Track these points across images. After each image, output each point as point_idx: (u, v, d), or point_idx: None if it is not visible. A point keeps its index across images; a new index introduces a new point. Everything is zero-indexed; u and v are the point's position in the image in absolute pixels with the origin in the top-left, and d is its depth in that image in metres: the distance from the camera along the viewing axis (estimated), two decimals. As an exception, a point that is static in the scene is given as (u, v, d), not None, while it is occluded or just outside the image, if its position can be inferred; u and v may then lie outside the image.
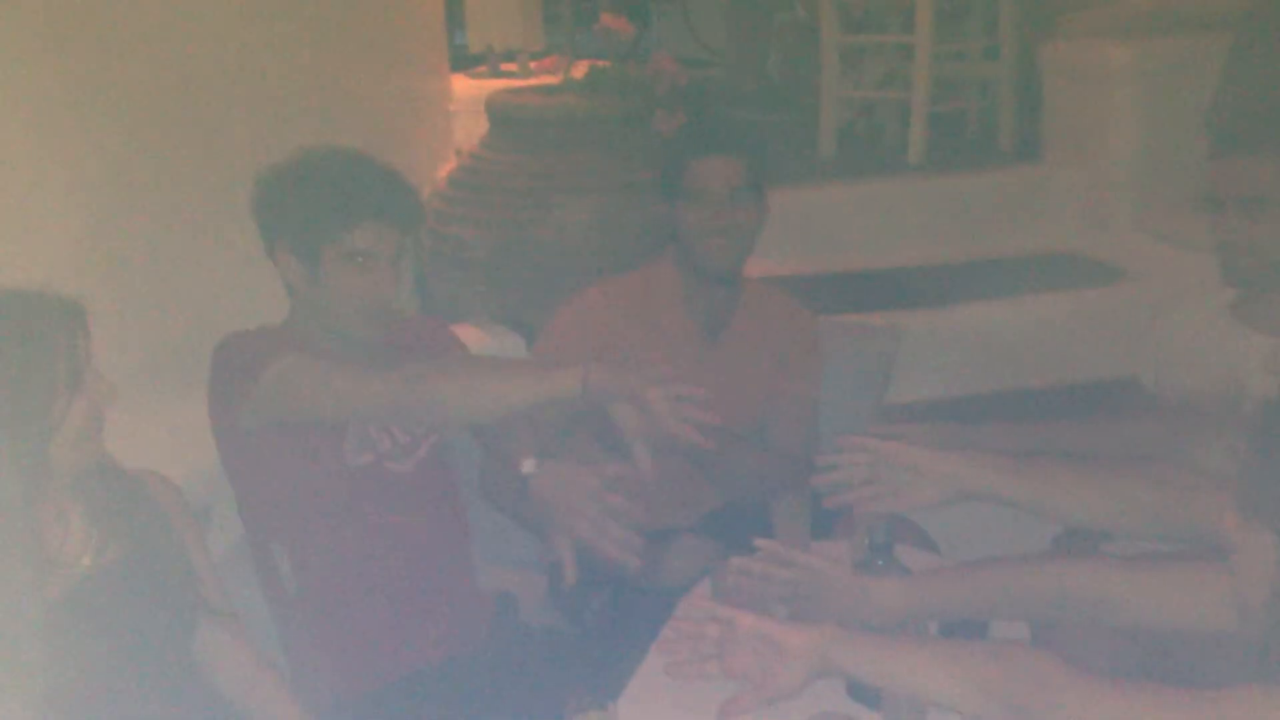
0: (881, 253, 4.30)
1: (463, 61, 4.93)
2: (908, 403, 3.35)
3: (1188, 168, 2.29)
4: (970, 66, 5.09)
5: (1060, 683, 1.32)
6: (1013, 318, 3.82)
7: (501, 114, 3.46)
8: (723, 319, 2.42)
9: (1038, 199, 4.52)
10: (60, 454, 1.52)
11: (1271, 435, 1.22)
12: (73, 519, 1.60)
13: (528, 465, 1.87)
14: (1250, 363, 2.11)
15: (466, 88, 4.52)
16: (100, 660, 1.56)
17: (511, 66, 4.93)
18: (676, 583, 2.03)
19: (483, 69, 4.95)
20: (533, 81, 4.29)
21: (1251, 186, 2.09)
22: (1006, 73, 4.93)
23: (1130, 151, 4.35)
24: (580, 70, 3.53)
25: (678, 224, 2.33)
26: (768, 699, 1.52)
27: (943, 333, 3.67)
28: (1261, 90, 3.19)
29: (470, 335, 2.69)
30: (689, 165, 2.29)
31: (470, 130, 3.90)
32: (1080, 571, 1.55)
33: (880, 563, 1.74)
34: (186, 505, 1.79)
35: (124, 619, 1.59)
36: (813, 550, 1.83)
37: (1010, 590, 1.59)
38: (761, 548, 1.56)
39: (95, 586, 1.58)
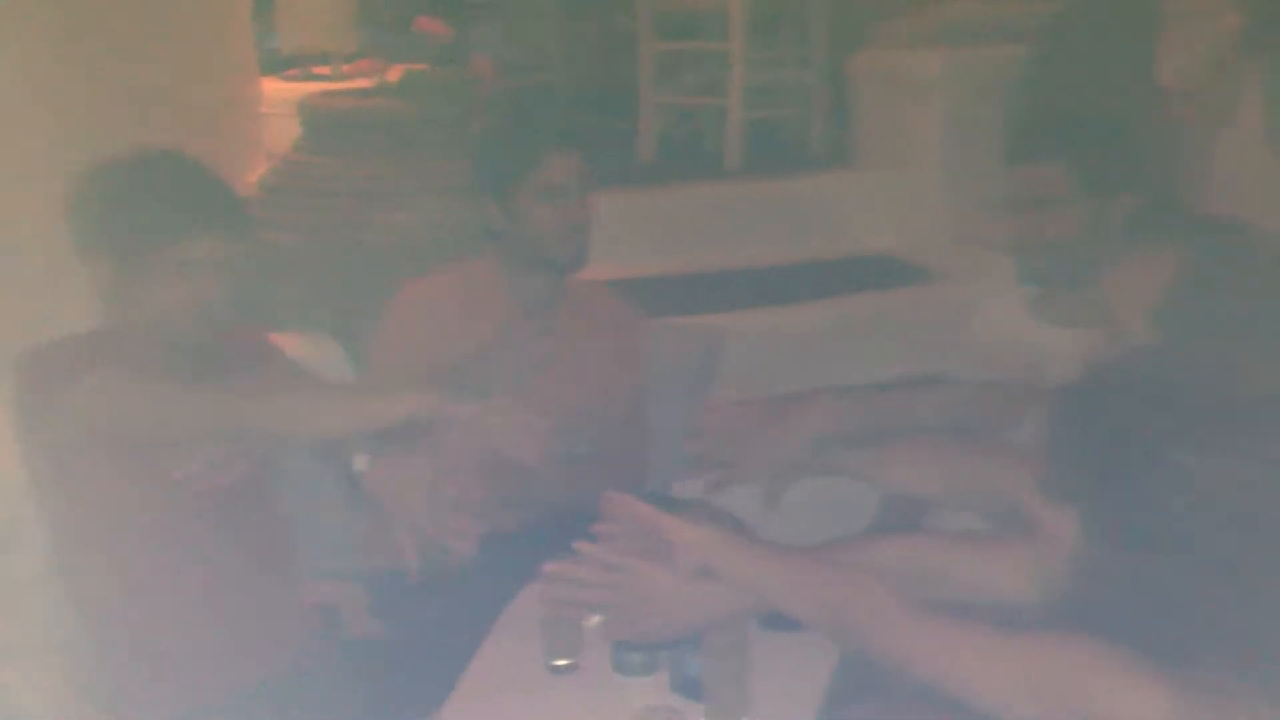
0: (701, 256, 4.35)
1: (273, 64, 4.80)
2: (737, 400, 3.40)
3: (992, 173, 2.38)
4: (784, 74, 5.20)
5: (894, 612, 1.38)
6: (828, 318, 3.92)
7: (315, 117, 3.39)
8: (550, 318, 2.42)
9: (850, 203, 4.64)
10: None
11: (1069, 421, 1.28)
12: None
13: (359, 461, 1.83)
14: (1046, 356, 2.20)
15: (278, 90, 4.40)
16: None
17: (323, 70, 4.83)
18: (503, 587, 2.01)
19: (294, 71, 4.84)
20: (346, 85, 4.21)
21: (1042, 189, 2.19)
22: (819, 80, 5.05)
23: (937, 157, 4.50)
24: (395, 73, 3.48)
25: (521, 222, 2.31)
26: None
27: (763, 333, 3.74)
28: (1053, 99, 3.35)
29: (288, 344, 2.61)
30: (539, 162, 2.28)
31: (282, 134, 3.80)
32: (899, 547, 1.60)
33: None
34: None
35: None
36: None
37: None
38: (581, 551, 1.55)
39: None
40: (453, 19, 5.01)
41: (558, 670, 1.77)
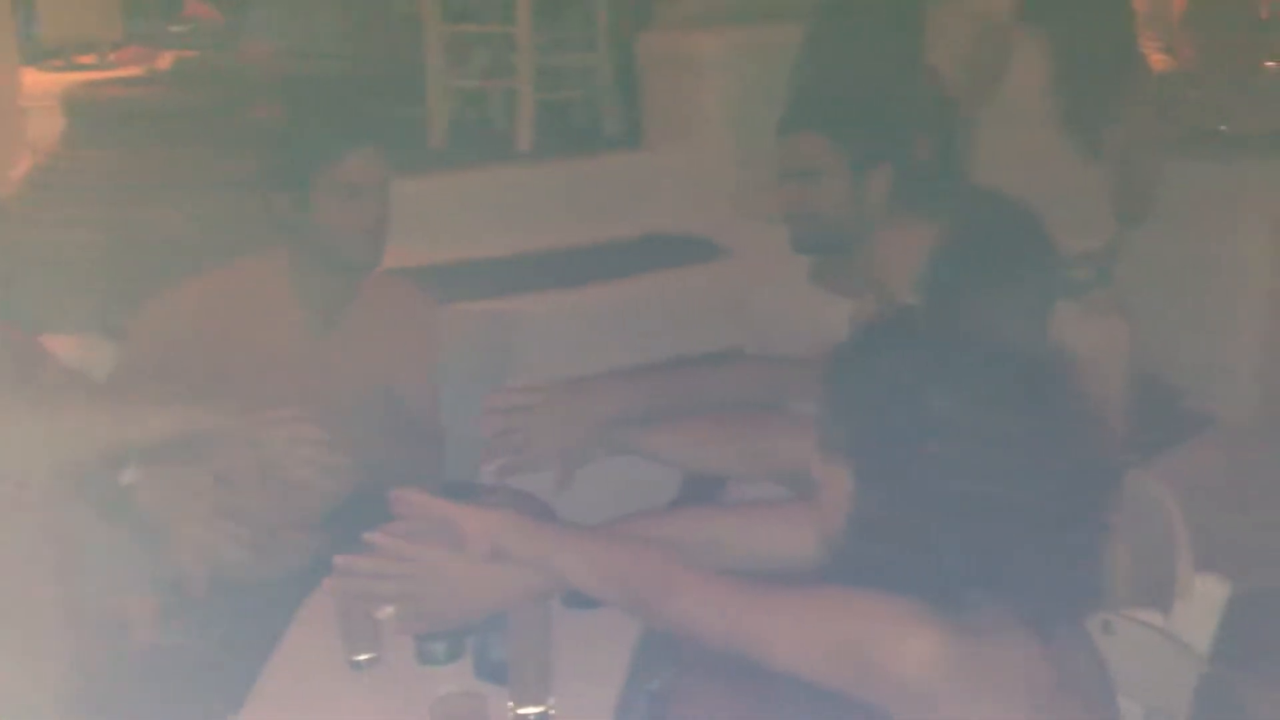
0: (498, 240, 4.33)
1: (35, 54, 4.56)
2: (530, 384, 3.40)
3: (772, 149, 2.46)
4: (573, 55, 5.21)
5: (680, 580, 1.41)
6: (625, 297, 3.96)
7: (81, 109, 3.24)
8: (338, 312, 2.37)
9: (641, 183, 4.69)
10: None
11: (840, 381, 1.34)
12: None
13: (128, 475, 1.76)
14: (828, 322, 2.28)
15: (40, 82, 4.18)
16: None
17: (89, 59, 4.62)
18: (299, 583, 1.97)
19: (57, 61, 4.61)
20: (113, 74, 4.03)
21: (808, 160, 2.27)
22: (606, 61, 5.08)
23: (720, 135, 4.59)
24: (165, 61, 3.35)
25: (316, 219, 2.25)
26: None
27: (561, 315, 3.75)
28: (825, 75, 3.46)
29: (58, 346, 2.50)
30: (332, 157, 2.22)
31: (46, 127, 3.61)
32: (691, 519, 1.64)
33: None
34: None
35: None
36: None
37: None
38: (371, 542, 1.54)
39: None
40: (224, 3, 4.84)
41: (359, 665, 1.75)
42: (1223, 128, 4.01)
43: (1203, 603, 1.63)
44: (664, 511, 1.73)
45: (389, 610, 1.59)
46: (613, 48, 5.04)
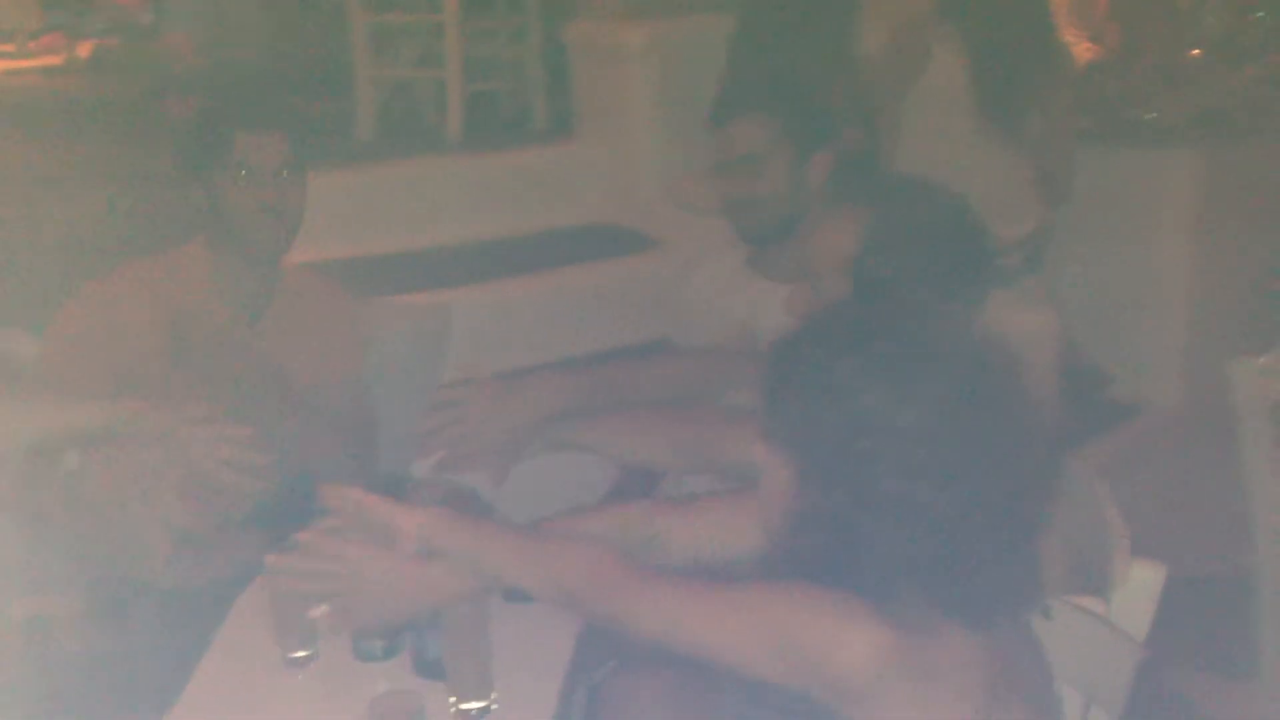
0: (427, 232, 4.29)
1: (-52, 41, 4.45)
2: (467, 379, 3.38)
3: (703, 138, 2.45)
4: (502, 46, 5.17)
5: (618, 578, 1.40)
6: (555, 290, 3.94)
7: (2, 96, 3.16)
8: (261, 305, 2.33)
9: (572, 174, 4.67)
10: None
11: (781, 367, 1.33)
12: None
13: (70, 460, 1.72)
14: (764, 309, 2.29)
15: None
16: None
17: (8, 46, 4.50)
18: (232, 582, 1.94)
19: (-27, 50, 4.49)
20: (32, 62, 3.94)
21: (745, 147, 2.27)
22: (535, 52, 5.05)
23: (650, 126, 4.58)
24: (86, 49, 3.27)
25: (220, 205, 2.21)
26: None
27: (491, 307, 3.72)
28: (753, 62, 3.48)
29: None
30: (235, 141, 2.18)
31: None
32: (631, 514, 1.63)
33: None
34: None
35: None
36: None
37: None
38: (299, 541, 1.51)
39: None
40: (147, -8, 4.74)
41: (295, 662, 1.72)
42: (1151, 116, 4.07)
43: (1139, 589, 1.65)
44: (604, 507, 1.72)
45: (322, 609, 1.56)
46: (542, 38, 5.01)
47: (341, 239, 4.00)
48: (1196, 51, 4.37)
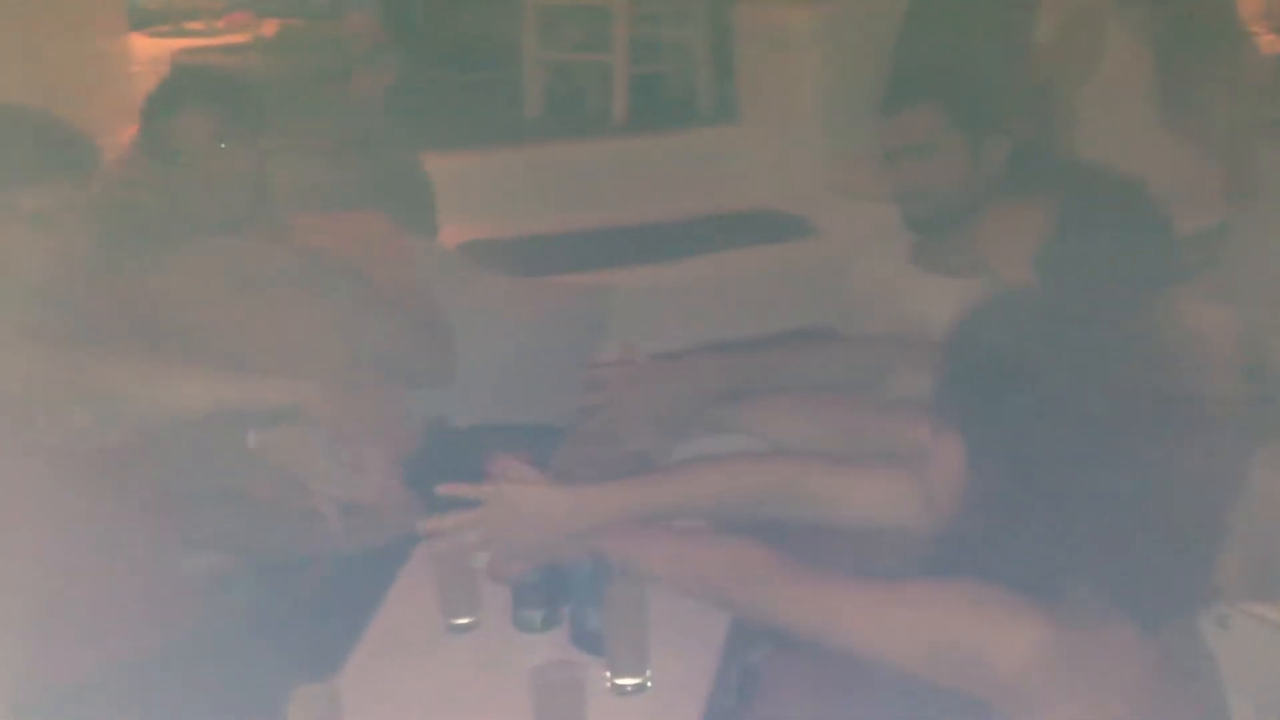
0: (590, 213, 4.34)
1: (143, 19, 4.65)
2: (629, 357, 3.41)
3: (871, 124, 2.42)
4: (667, 28, 5.19)
5: (772, 576, 1.40)
6: (716, 272, 3.95)
7: (191, 75, 3.28)
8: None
9: (735, 158, 4.66)
10: None
11: (963, 353, 1.32)
12: None
13: (252, 440, 1.79)
14: (928, 304, 2.25)
15: (148, 47, 4.26)
16: None
17: (196, 25, 4.70)
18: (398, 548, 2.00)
19: (165, 27, 4.69)
20: (219, 40, 4.10)
21: (919, 136, 2.23)
22: (701, 35, 5.04)
23: (816, 111, 4.54)
24: (270, 28, 3.39)
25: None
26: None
27: (653, 290, 3.75)
28: (928, 47, 3.41)
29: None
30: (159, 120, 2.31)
31: (153, 92, 3.68)
32: (782, 466, 1.63)
33: None
34: None
35: None
36: None
37: (718, 486, 1.63)
38: (443, 493, 1.57)
39: None
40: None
41: (457, 629, 1.77)
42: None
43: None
44: (753, 455, 1.72)
45: (484, 558, 1.61)
46: (708, 21, 5.01)
47: (506, 218, 4.08)
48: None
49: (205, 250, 2.35)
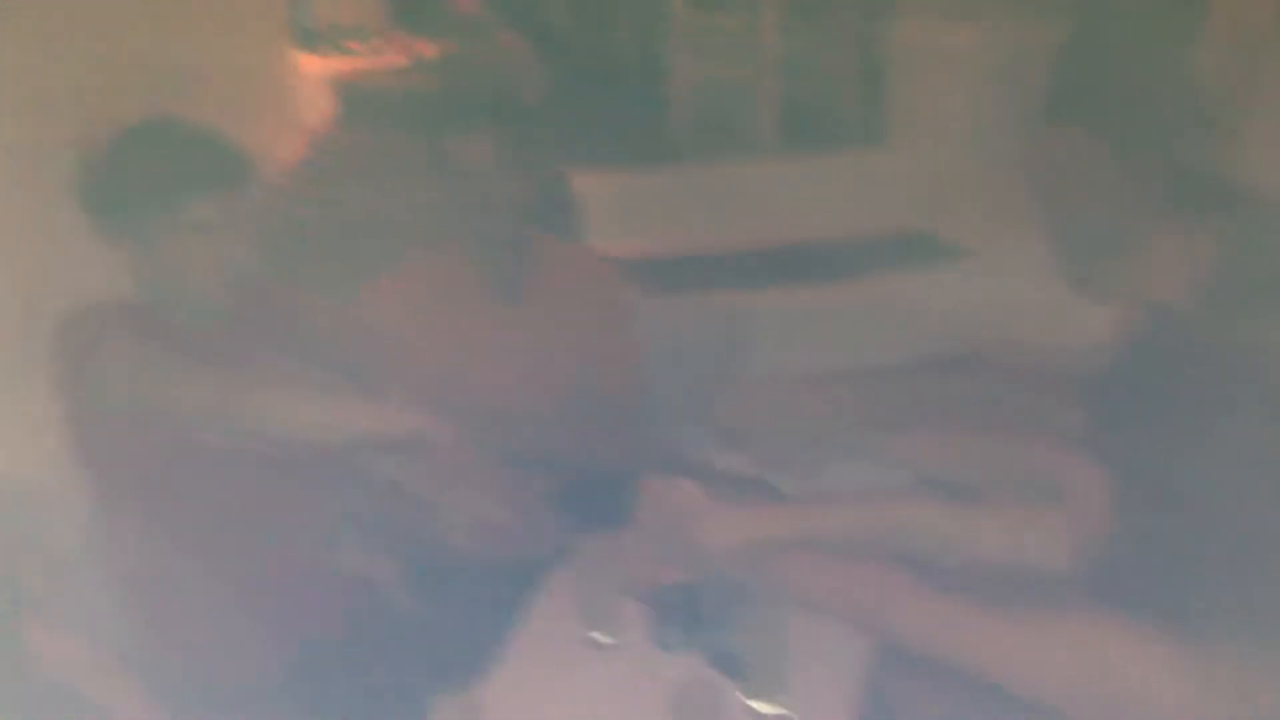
0: (735, 233, 4.34)
1: (305, 38, 4.81)
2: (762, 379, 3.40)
3: (1029, 147, 2.36)
4: (818, 48, 5.16)
5: (920, 604, 1.39)
6: (862, 296, 3.90)
7: (348, 93, 3.40)
8: (520, 283, 2.42)
9: (883, 180, 4.61)
10: None
11: (1116, 388, 1.28)
12: None
13: (387, 464, 1.83)
14: (1082, 332, 2.19)
15: (309, 65, 4.41)
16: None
17: (355, 44, 4.83)
18: (543, 552, 2.02)
19: (326, 46, 4.84)
20: (380, 60, 4.21)
21: (1073, 157, 2.17)
22: (853, 55, 5.01)
23: (972, 132, 4.47)
24: (426, 48, 3.47)
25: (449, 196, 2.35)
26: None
27: (796, 312, 3.72)
28: (1092, 71, 3.32)
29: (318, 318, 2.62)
30: (444, 140, 2.32)
31: (313, 108, 3.81)
32: (929, 506, 1.60)
33: None
34: (22, 498, 1.70)
35: None
36: None
37: (860, 518, 1.61)
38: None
39: None
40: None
41: (597, 644, 1.77)
42: None
43: None
44: (888, 492, 1.70)
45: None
46: (859, 40, 4.97)
47: (651, 236, 4.10)
48: None
49: (426, 267, 2.40)
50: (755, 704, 1.62)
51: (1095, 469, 1.29)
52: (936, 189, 4.53)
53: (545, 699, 1.69)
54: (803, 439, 1.97)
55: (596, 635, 1.77)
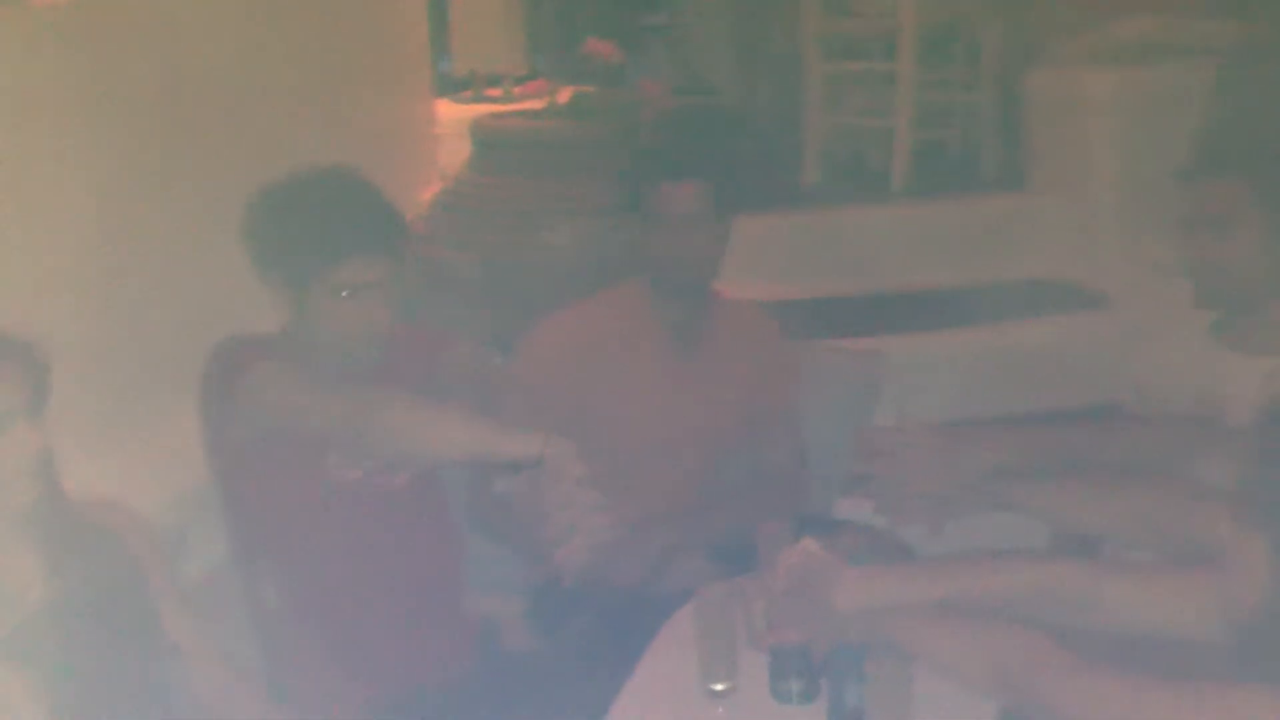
0: (868, 278, 4.30)
1: (447, 86, 4.94)
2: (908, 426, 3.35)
3: (1169, 194, 2.30)
4: (953, 93, 5.11)
5: (1066, 672, 1.35)
6: (997, 343, 3.83)
7: (486, 138, 3.47)
8: (695, 336, 2.41)
9: (1021, 226, 4.53)
10: (10, 490, 1.49)
11: (1267, 448, 1.23)
12: (21, 554, 1.55)
13: (501, 484, 1.85)
14: (1228, 384, 2.11)
15: (450, 111, 4.52)
16: (53, 695, 1.52)
17: (495, 91, 4.94)
18: (663, 598, 2.02)
19: (467, 93, 4.96)
20: (517, 106, 4.30)
21: (1220, 207, 2.10)
22: (989, 100, 4.95)
23: (1112, 179, 4.37)
24: (565, 95, 3.53)
25: (641, 245, 2.32)
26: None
27: (929, 357, 3.67)
28: (1234, 117, 3.22)
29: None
30: (651, 188, 2.28)
31: (454, 154, 3.90)
32: (1069, 570, 1.55)
33: None
34: (150, 533, 1.75)
35: (75, 653, 1.56)
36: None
37: (1003, 583, 1.57)
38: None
39: (44, 621, 1.54)
40: (622, 42, 5.06)
41: (715, 694, 1.76)
42: None
43: None
44: (1035, 554, 1.65)
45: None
46: (996, 86, 4.91)
47: (787, 280, 4.09)
48: None
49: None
50: (875, 760, 1.58)
51: (1251, 532, 1.23)
52: (1073, 234, 4.43)
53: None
54: (937, 487, 1.93)
55: (713, 685, 1.75)
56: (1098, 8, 4.71)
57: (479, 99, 4.89)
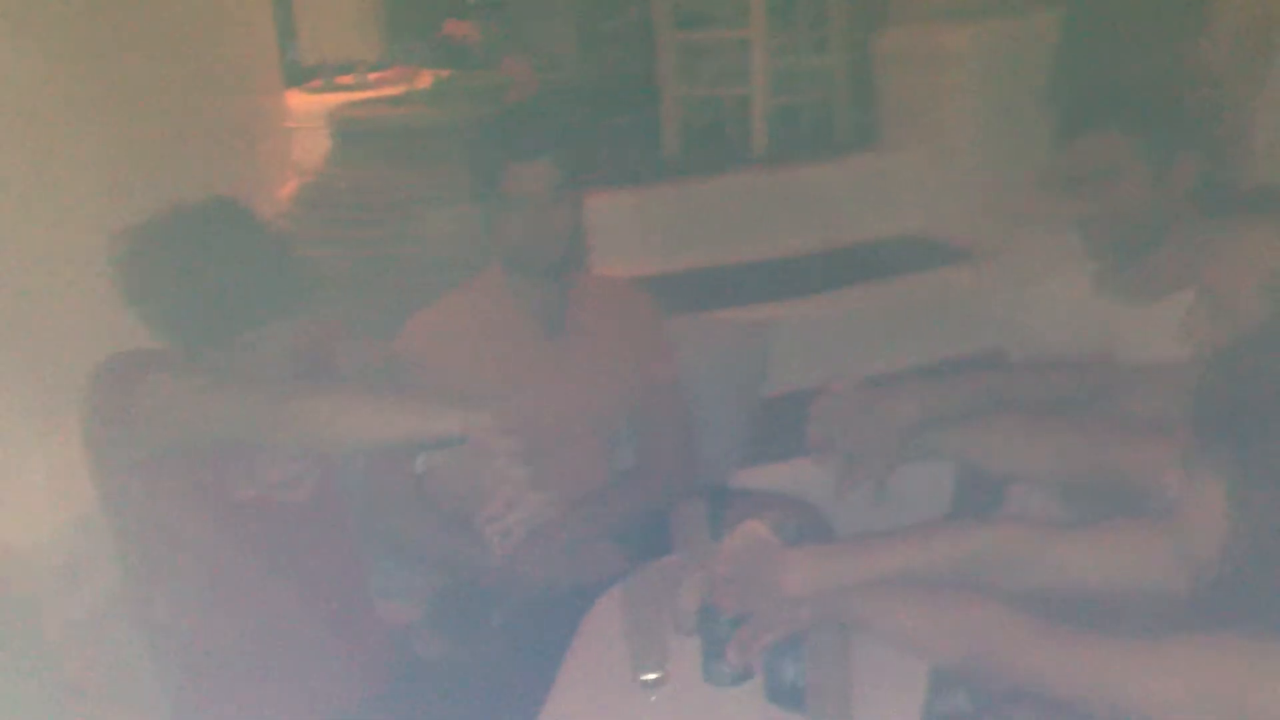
0: (736, 247, 4.31)
1: (296, 76, 4.77)
2: (784, 394, 3.36)
3: (1025, 147, 2.34)
4: (807, 57, 5.14)
5: (1027, 639, 1.35)
6: (872, 301, 3.88)
7: (345, 128, 3.37)
8: (558, 317, 2.39)
9: (879, 185, 4.58)
10: None
11: (1218, 393, 1.24)
12: None
13: (420, 463, 1.79)
14: (1117, 333, 2.16)
15: (302, 103, 4.37)
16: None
17: (347, 79, 4.79)
18: (585, 590, 1.99)
19: (317, 83, 4.80)
20: (375, 94, 4.18)
21: (1107, 160, 2.14)
22: (843, 62, 4.99)
23: (967, 134, 4.44)
24: (425, 80, 3.44)
25: (492, 228, 2.29)
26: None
27: (807, 322, 3.69)
28: (1100, 66, 3.30)
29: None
30: (499, 170, 2.24)
31: (309, 147, 3.77)
32: (1017, 532, 1.56)
33: None
34: (35, 571, 1.65)
35: None
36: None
37: (948, 553, 1.57)
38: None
39: None
40: (475, 20, 4.95)
41: (647, 684, 1.73)
42: None
43: None
44: (981, 520, 1.65)
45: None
46: (848, 48, 4.95)
47: (650, 255, 4.07)
48: None
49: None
50: (815, 736, 1.58)
51: (1204, 481, 1.23)
52: (933, 191, 4.51)
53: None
54: (880, 441, 1.91)
55: (645, 675, 1.73)
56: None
57: (330, 88, 4.74)
